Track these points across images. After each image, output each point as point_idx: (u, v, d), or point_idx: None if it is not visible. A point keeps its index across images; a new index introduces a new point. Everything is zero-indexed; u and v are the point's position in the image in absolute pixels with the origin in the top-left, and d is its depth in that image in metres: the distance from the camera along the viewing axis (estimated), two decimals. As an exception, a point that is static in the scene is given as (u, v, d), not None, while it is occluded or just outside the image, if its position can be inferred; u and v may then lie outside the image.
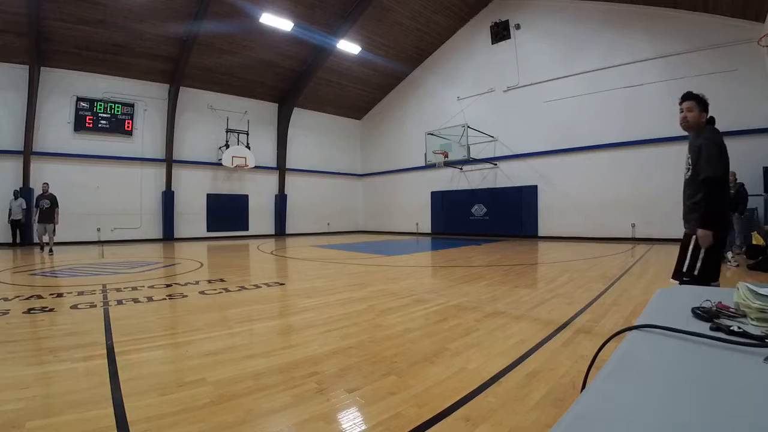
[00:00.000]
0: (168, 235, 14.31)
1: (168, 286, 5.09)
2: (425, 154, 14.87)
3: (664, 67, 10.96)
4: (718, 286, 2.45)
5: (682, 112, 2.66)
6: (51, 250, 9.52)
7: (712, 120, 2.64)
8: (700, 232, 2.44)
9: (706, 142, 2.50)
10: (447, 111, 16.07)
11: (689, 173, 2.62)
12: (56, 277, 5.94)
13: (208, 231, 15.49)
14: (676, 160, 10.59)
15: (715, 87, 10.15)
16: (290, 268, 7.24)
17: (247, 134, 16.27)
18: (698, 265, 2.45)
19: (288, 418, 1.74)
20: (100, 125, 13.24)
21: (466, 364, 2.36)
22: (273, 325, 3.39)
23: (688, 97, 2.68)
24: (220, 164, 15.41)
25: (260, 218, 17.00)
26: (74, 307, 3.86)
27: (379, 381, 2.12)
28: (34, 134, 12.08)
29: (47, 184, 10.01)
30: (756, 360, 0.68)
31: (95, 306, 3.89)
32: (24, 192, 11.65)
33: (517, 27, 14.16)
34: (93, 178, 13.14)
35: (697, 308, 0.97)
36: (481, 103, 15.20)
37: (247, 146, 16.07)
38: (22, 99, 11.85)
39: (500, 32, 14.57)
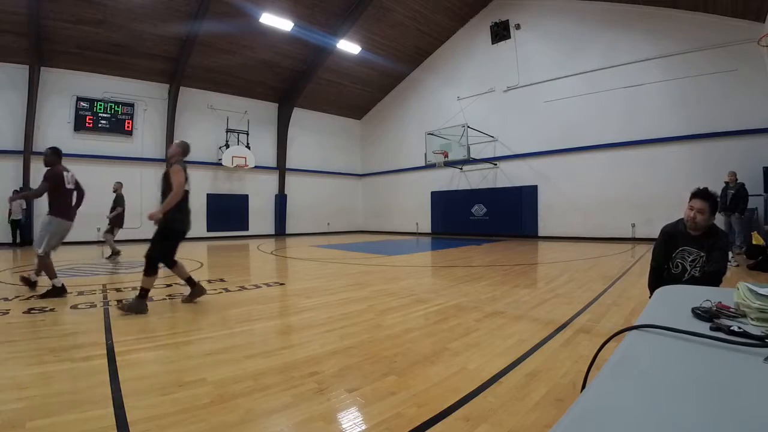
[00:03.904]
0: (168, 235, 14.29)
1: (168, 286, 5.09)
2: (425, 154, 14.86)
3: (664, 67, 10.96)
4: None
5: (692, 210, 2.46)
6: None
7: None
8: None
9: (726, 245, 2.56)
10: (447, 111, 16.06)
11: (699, 272, 2.51)
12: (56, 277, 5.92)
13: (208, 231, 15.47)
14: (676, 160, 10.70)
15: (715, 87, 10.17)
16: (290, 268, 7.24)
17: (247, 134, 16.26)
18: None
19: (288, 418, 1.74)
20: (100, 125, 13.24)
21: (466, 364, 2.36)
22: (273, 325, 3.39)
23: (703, 196, 2.44)
24: (220, 164, 15.41)
25: (260, 218, 17.00)
26: (74, 307, 3.86)
27: (379, 381, 2.12)
28: (34, 134, 12.07)
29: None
30: (756, 360, 0.68)
31: (95, 306, 3.90)
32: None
33: (517, 27, 14.16)
34: (93, 179, 13.06)
35: (697, 308, 0.97)
36: (481, 103, 15.20)
37: (247, 146, 16.07)
38: (22, 99, 11.84)
39: (500, 32, 14.57)
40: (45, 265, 4.39)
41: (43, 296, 4.23)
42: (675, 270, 2.62)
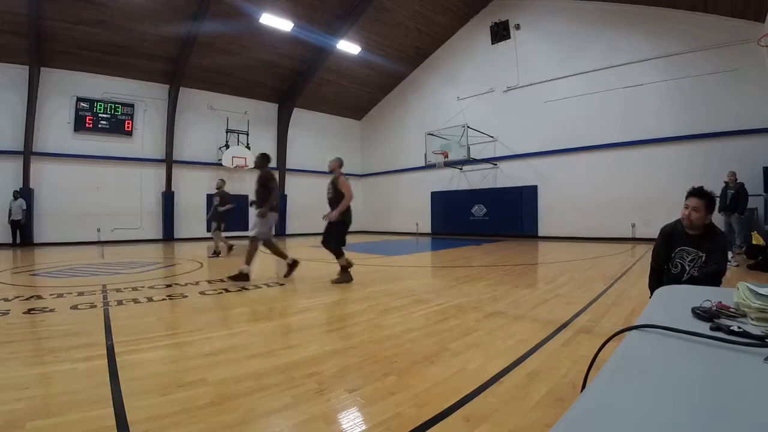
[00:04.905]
0: (168, 236, 14.30)
1: (168, 286, 5.09)
2: (425, 154, 14.86)
3: (664, 67, 10.96)
4: None
5: (687, 208, 2.47)
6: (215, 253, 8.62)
7: None
8: None
9: (725, 245, 2.58)
10: (447, 111, 16.06)
11: (698, 272, 2.50)
12: (56, 277, 5.94)
13: (208, 231, 15.44)
14: (676, 160, 10.71)
15: (715, 87, 10.17)
16: (290, 269, 7.20)
17: (247, 134, 16.26)
18: None
19: (288, 418, 1.74)
20: (100, 125, 13.24)
21: (466, 364, 2.36)
22: (273, 325, 3.39)
23: (697, 194, 2.45)
24: (220, 164, 15.41)
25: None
26: (74, 307, 3.85)
27: (379, 381, 2.12)
28: (34, 134, 12.07)
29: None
30: (756, 360, 0.68)
31: (95, 306, 3.89)
32: (24, 192, 11.65)
33: (517, 27, 14.16)
34: (93, 179, 13.13)
35: (697, 308, 0.97)
36: (481, 103, 15.20)
37: (247, 146, 16.06)
38: (22, 99, 11.84)
39: (500, 32, 14.57)
40: (254, 249, 5.32)
41: (233, 278, 5.12)
42: (674, 270, 2.62)
